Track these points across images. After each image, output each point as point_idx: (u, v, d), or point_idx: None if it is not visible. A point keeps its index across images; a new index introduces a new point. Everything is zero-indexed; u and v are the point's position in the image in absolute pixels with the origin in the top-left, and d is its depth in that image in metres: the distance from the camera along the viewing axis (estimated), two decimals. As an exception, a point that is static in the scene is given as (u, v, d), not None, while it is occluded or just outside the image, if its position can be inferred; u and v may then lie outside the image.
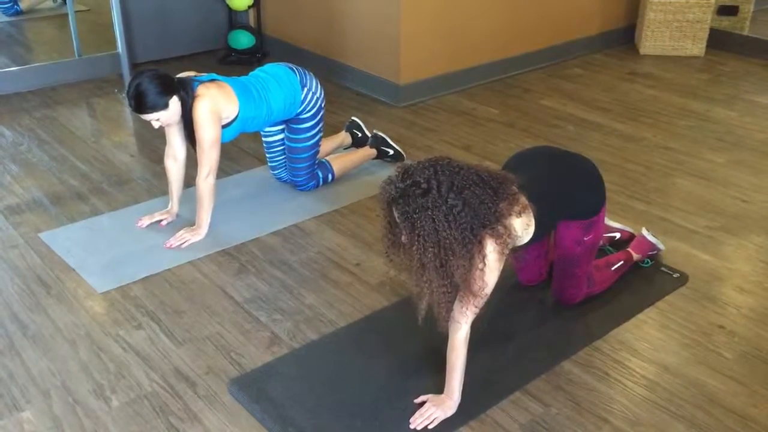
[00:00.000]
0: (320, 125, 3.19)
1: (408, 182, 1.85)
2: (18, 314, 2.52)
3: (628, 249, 2.73)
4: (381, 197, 1.92)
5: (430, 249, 1.86)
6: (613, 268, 2.61)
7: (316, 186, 3.33)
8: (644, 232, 2.79)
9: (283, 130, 3.22)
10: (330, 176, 3.36)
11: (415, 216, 1.84)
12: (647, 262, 2.77)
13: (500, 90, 4.63)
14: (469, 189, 1.87)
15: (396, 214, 1.90)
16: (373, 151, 3.53)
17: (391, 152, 3.54)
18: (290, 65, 3.15)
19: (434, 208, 1.83)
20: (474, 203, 1.87)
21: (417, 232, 1.85)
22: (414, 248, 1.88)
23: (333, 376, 2.23)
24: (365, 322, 2.48)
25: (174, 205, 3.08)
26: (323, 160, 3.37)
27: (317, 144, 3.23)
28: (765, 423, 2.08)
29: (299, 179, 3.27)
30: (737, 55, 5.26)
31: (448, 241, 1.85)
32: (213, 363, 2.30)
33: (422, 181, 1.84)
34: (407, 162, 1.95)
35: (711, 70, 5.02)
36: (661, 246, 2.80)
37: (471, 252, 1.90)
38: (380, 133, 3.57)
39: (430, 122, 4.14)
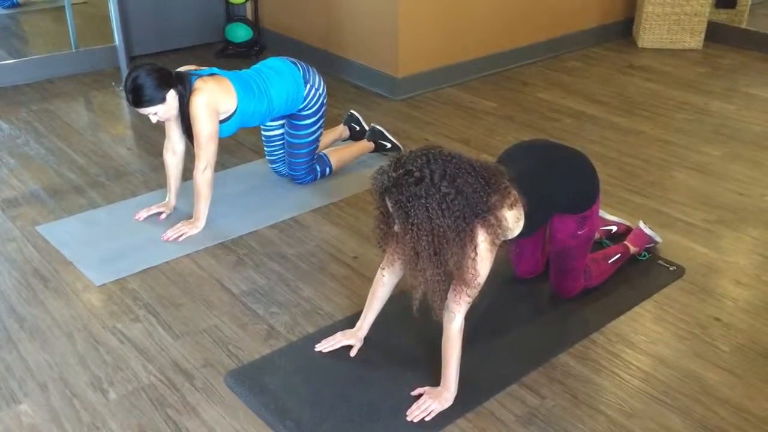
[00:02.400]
0: (321, 121, 3.19)
1: (400, 171, 1.86)
2: (15, 307, 2.52)
3: (626, 242, 2.74)
4: (374, 187, 1.92)
5: (424, 237, 1.86)
6: (610, 261, 2.61)
7: (314, 180, 3.33)
8: (641, 225, 2.80)
9: (283, 125, 3.21)
10: (328, 169, 3.36)
11: (408, 205, 1.85)
12: (644, 255, 2.77)
13: (498, 83, 4.62)
14: (462, 177, 1.87)
15: (389, 204, 1.90)
16: (371, 145, 3.52)
17: (389, 145, 3.54)
18: (293, 60, 3.14)
19: (428, 196, 1.84)
20: (467, 191, 1.88)
21: (411, 220, 1.86)
22: (408, 237, 1.89)
23: (330, 369, 2.23)
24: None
25: (172, 198, 3.08)
26: (321, 154, 3.36)
27: (317, 140, 3.23)
28: (760, 415, 2.09)
29: (298, 173, 3.27)
30: (735, 48, 5.26)
31: (441, 229, 1.86)
32: (210, 356, 2.30)
33: (415, 169, 1.85)
34: (399, 152, 1.96)
35: (709, 63, 5.02)
36: (658, 239, 2.81)
37: (464, 240, 1.90)
38: (378, 126, 3.57)
39: (428, 115, 4.13)
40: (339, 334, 2.31)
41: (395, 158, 1.91)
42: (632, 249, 2.72)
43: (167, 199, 3.09)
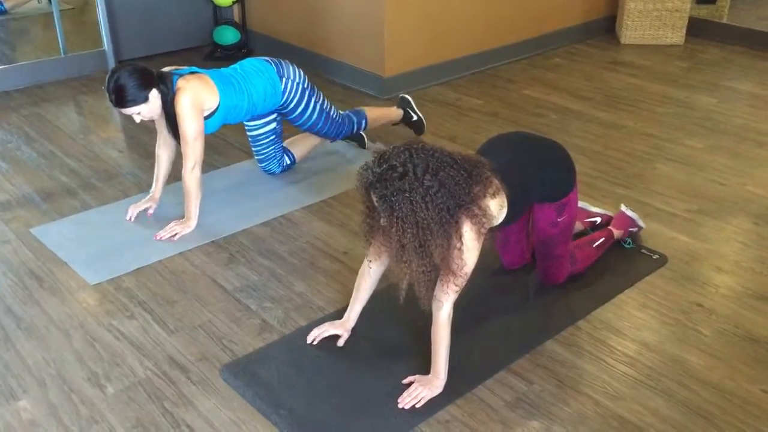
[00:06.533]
0: (316, 103, 3.26)
1: (384, 166, 1.91)
2: (11, 307, 2.55)
3: (609, 227, 2.80)
4: (359, 183, 1.98)
5: (409, 230, 1.91)
6: (594, 245, 2.68)
7: (350, 131, 3.46)
8: (623, 208, 2.86)
9: (269, 122, 3.26)
10: (363, 122, 3.51)
11: (393, 199, 1.90)
12: (629, 243, 2.83)
13: (484, 81, 4.69)
14: (444, 170, 1.93)
15: (374, 198, 1.95)
16: (400, 112, 3.71)
17: (414, 118, 3.73)
18: (266, 59, 3.19)
19: (411, 190, 1.89)
20: (449, 184, 1.93)
21: (396, 214, 1.91)
22: (393, 230, 1.94)
23: (323, 360, 2.29)
24: (353, 308, 2.53)
25: (157, 190, 3.10)
26: (360, 109, 3.54)
27: (326, 112, 3.32)
28: (741, 395, 2.15)
29: (332, 134, 3.41)
30: (716, 43, 5.35)
31: (426, 222, 1.91)
32: (205, 350, 2.35)
33: (398, 164, 1.90)
34: (381, 148, 2.01)
35: (691, 58, 5.10)
36: (641, 222, 2.87)
37: (448, 232, 1.95)
38: (407, 97, 3.76)
39: (415, 113, 4.19)
40: (327, 324, 2.37)
41: (379, 154, 1.96)
42: (616, 233, 2.78)
43: (152, 191, 3.11)
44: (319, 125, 3.32)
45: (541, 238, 2.48)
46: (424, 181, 1.90)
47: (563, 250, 2.51)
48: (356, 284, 2.33)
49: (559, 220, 2.41)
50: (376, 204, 1.97)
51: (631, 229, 2.84)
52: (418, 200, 1.90)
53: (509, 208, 2.17)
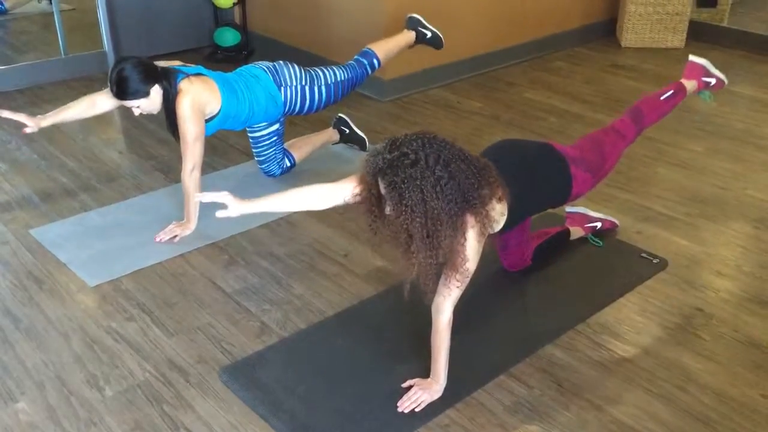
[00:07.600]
0: (320, 87, 3.23)
1: (396, 153, 1.87)
2: (10, 309, 2.55)
3: (681, 80, 2.72)
4: (367, 169, 1.94)
5: (418, 219, 1.87)
6: (663, 98, 2.65)
7: (364, 75, 3.42)
8: (691, 57, 2.73)
9: (272, 124, 3.25)
10: (375, 61, 3.45)
11: (403, 186, 1.86)
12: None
13: (484, 84, 4.69)
14: (455, 163, 1.90)
15: (383, 186, 1.91)
16: (411, 35, 3.63)
17: (429, 35, 3.64)
18: (264, 66, 3.17)
19: (422, 178, 1.85)
20: (460, 177, 1.90)
21: (405, 202, 1.87)
22: (401, 219, 1.89)
23: (322, 363, 2.28)
24: (353, 311, 2.53)
25: (48, 120, 3.02)
26: (366, 49, 3.48)
27: (331, 86, 3.27)
28: (741, 400, 2.15)
29: (348, 91, 3.40)
30: (717, 47, 5.34)
31: (435, 212, 1.87)
32: (204, 352, 2.35)
33: (410, 152, 1.87)
34: (385, 138, 1.99)
35: (691, 61, 5.09)
36: (717, 72, 2.70)
37: (455, 224, 1.93)
38: (416, 16, 3.65)
39: (416, 116, 4.19)
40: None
41: (390, 141, 1.92)
42: (689, 85, 2.68)
43: (43, 115, 3.02)
44: (332, 99, 3.31)
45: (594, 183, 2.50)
46: (436, 171, 1.87)
47: (610, 144, 2.54)
48: (303, 191, 2.23)
49: (583, 192, 2.45)
50: (383, 192, 1.93)
51: (705, 79, 2.66)
52: (429, 189, 1.86)
53: (508, 216, 2.16)
